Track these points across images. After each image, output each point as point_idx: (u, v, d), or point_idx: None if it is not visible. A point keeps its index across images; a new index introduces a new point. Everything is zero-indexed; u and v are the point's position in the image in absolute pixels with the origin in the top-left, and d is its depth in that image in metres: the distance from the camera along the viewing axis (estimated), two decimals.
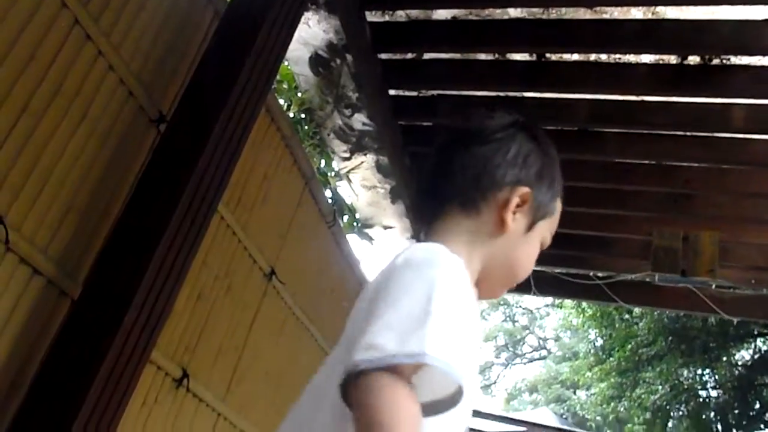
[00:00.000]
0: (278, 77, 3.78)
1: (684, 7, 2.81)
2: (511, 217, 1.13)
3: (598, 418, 18.08)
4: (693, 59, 3.00)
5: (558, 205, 1.22)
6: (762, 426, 15.28)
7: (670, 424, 15.55)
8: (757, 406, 15.13)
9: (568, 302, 17.29)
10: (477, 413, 7.98)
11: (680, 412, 15.54)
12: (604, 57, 3.13)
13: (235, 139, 2.14)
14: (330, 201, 3.88)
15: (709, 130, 3.34)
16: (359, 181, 4.05)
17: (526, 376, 25.32)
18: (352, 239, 4.29)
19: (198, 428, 2.65)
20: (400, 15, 3.16)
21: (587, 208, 3.84)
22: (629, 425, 16.46)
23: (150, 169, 2.04)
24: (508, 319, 25.78)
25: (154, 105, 2.14)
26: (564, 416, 20.20)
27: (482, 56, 3.31)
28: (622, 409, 16.60)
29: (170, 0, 2.21)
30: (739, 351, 15.14)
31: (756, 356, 15.00)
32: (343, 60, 3.25)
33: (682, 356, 14.46)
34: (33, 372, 1.80)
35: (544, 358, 25.37)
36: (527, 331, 26.05)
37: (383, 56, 3.33)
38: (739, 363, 15.16)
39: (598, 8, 2.92)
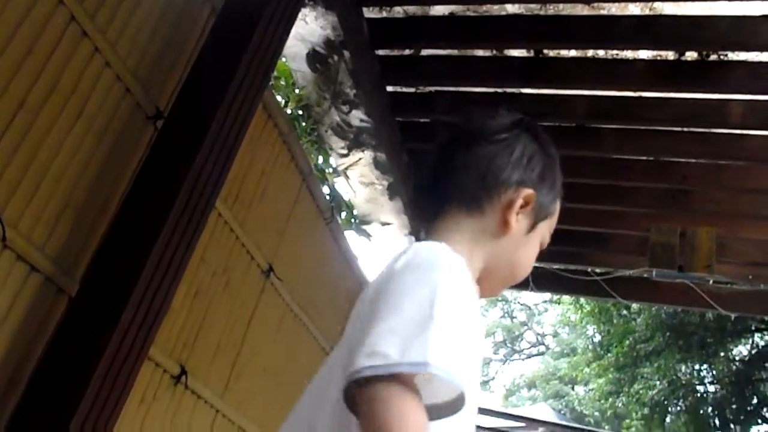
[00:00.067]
0: (276, 73, 3.78)
1: (681, 3, 2.81)
2: (514, 218, 1.13)
3: (596, 413, 18.13)
4: (690, 55, 3.00)
5: (557, 206, 1.23)
6: (759, 421, 15.33)
7: (668, 420, 15.59)
8: (755, 401, 15.17)
9: (566, 298, 17.32)
10: None
11: (678, 408, 15.58)
12: (601, 53, 3.13)
13: (233, 135, 2.13)
14: (328, 197, 3.87)
15: (707, 126, 3.34)
16: (357, 178, 4.05)
17: (524, 372, 25.37)
18: (350, 236, 4.28)
19: (196, 425, 2.65)
20: (398, 11, 3.16)
21: (585, 204, 3.85)
22: (627, 420, 16.50)
23: (147, 166, 2.04)
24: (506, 315, 25.81)
25: (151, 101, 2.14)
26: (562, 412, 20.25)
27: (480, 52, 3.31)
28: (620, 404, 16.65)
29: None
30: (736, 346, 15.18)
31: (753, 351, 15.03)
32: (340, 56, 3.25)
33: (680, 352, 14.49)
34: (31, 369, 1.80)
35: (542, 354, 25.41)
36: (525, 328, 26.09)
37: (381, 52, 3.33)
38: (737, 358, 15.20)
39: (595, 4, 2.92)
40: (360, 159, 3.87)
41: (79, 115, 1.88)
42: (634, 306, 13.78)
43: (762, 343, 14.90)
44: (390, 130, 3.68)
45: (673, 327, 14.17)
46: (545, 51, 3.19)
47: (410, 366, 0.83)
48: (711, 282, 4.10)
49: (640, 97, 3.27)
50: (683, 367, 15.23)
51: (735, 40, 2.82)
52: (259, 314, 3.01)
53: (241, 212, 2.75)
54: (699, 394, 15.46)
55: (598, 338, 17.74)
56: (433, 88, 3.58)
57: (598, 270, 4.51)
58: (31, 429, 1.71)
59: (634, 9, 2.93)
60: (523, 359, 26.15)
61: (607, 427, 16.70)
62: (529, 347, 26.11)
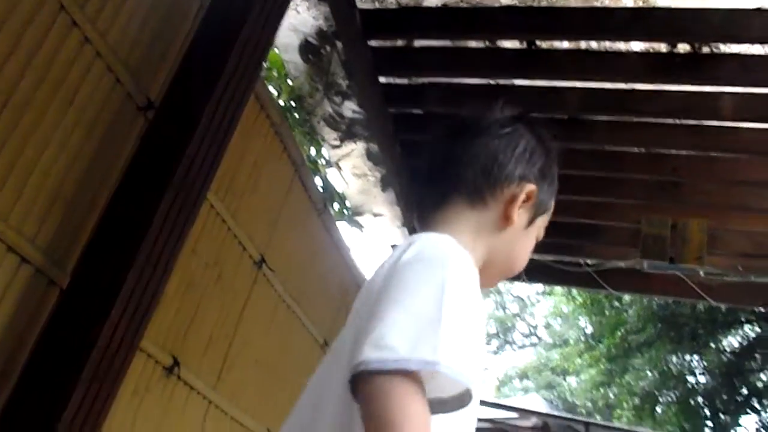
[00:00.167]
0: (268, 64, 3.76)
1: None
2: (516, 213, 1.14)
3: (588, 403, 18.22)
4: (683, 47, 3.00)
5: (554, 200, 1.24)
6: (749, 411, 15.45)
7: (658, 410, 15.69)
8: (745, 391, 15.29)
9: (558, 290, 17.39)
10: None
11: (669, 398, 15.69)
12: (594, 45, 3.13)
13: (224, 126, 2.12)
14: (320, 189, 3.87)
15: (699, 118, 3.35)
16: (349, 169, 4.04)
17: (516, 363, 25.44)
18: (343, 227, 4.28)
19: (189, 416, 2.66)
20: (391, 2, 3.15)
21: (577, 195, 3.85)
22: (618, 411, 16.61)
23: (138, 157, 2.03)
24: (499, 306, 25.86)
25: (142, 92, 2.12)
26: (554, 402, 20.33)
27: (472, 44, 3.30)
28: (611, 395, 16.76)
29: None
30: (726, 337, 15.28)
31: (744, 342, 15.14)
32: (333, 47, 3.24)
33: (671, 343, 14.58)
34: (22, 361, 1.79)
35: (534, 345, 25.49)
36: (518, 319, 26.16)
37: (373, 43, 3.32)
38: (727, 349, 15.30)
39: None
40: (353, 150, 3.87)
41: (68, 106, 1.87)
42: (626, 297, 13.85)
43: (752, 335, 15.00)
44: (383, 121, 3.67)
45: (664, 318, 14.25)
46: (538, 43, 3.19)
47: (420, 363, 0.83)
48: (702, 273, 4.12)
49: (633, 90, 3.27)
50: (674, 358, 15.33)
51: (727, 32, 2.82)
52: (251, 305, 3.01)
53: (233, 204, 2.75)
54: (689, 385, 15.57)
55: (589, 329, 17.83)
56: (425, 80, 3.57)
57: (590, 261, 4.52)
58: (23, 421, 1.71)
59: (627, 1, 2.93)
60: (515, 350, 26.23)
61: (598, 418, 16.77)
62: (522, 338, 26.19)
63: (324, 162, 4.32)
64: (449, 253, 0.99)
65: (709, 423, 15.25)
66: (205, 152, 2.05)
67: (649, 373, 15.35)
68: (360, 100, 3.50)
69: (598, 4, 2.95)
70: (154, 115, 2.11)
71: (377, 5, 3.16)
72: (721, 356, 15.06)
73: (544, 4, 2.99)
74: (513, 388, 23.91)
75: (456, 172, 1.16)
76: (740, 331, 15.21)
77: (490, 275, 1.17)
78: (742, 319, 14.45)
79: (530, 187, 1.15)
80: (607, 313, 15.48)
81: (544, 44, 3.19)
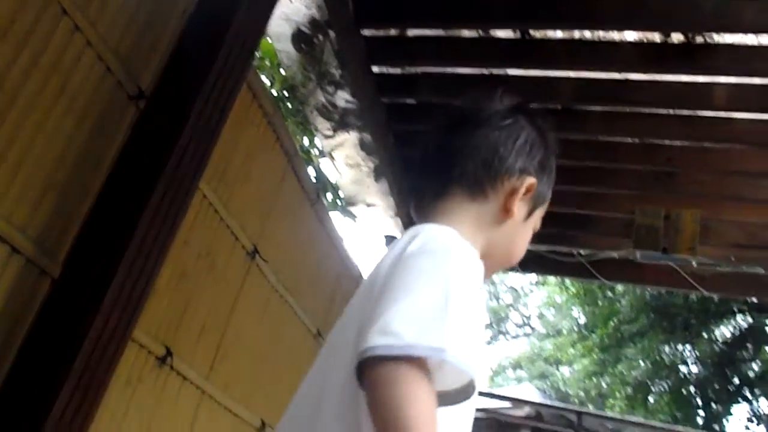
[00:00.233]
0: (260, 54, 3.75)
1: None
2: (517, 206, 1.14)
3: (581, 393, 18.32)
4: (676, 37, 3.00)
5: (551, 192, 1.25)
6: (740, 400, 15.57)
7: (650, 399, 15.81)
8: (736, 381, 15.41)
9: (551, 280, 17.45)
10: None
11: (661, 388, 15.80)
12: (588, 35, 3.12)
13: (216, 116, 2.11)
14: (313, 179, 3.86)
15: (692, 109, 3.35)
16: (343, 159, 4.03)
17: (510, 353, 25.54)
18: (336, 217, 4.28)
19: (182, 406, 2.66)
20: None
21: (571, 186, 3.85)
22: (611, 400, 16.71)
23: (129, 147, 2.02)
24: (492, 297, 25.93)
25: (133, 81, 2.11)
26: (547, 392, 20.43)
27: (466, 33, 3.29)
28: (604, 384, 16.87)
29: None
30: (719, 327, 15.39)
31: (736, 333, 15.23)
32: (325, 36, 3.22)
33: (664, 333, 14.67)
34: (13, 351, 1.78)
35: (528, 335, 25.59)
36: (511, 309, 26.23)
37: (366, 32, 3.30)
38: (719, 339, 15.41)
39: None
40: (346, 140, 3.86)
41: (59, 95, 1.86)
42: (619, 288, 13.92)
43: (744, 325, 15.10)
44: (376, 111, 3.66)
45: (657, 308, 14.33)
46: (531, 32, 3.18)
47: (426, 349, 0.83)
48: (695, 264, 4.13)
49: (626, 80, 3.27)
50: (667, 348, 15.43)
51: (721, 22, 2.82)
52: (244, 296, 3.00)
53: (226, 194, 2.74)
54: (682, 375, 15.69)
55: (583, 320, 17.92)
56: (419, 69, 3.56)
57: (583, 251, 4.53)
58: (14, 411, 1.71)
59: None
60: (508, 340, 26.32)
61: (591, 407, 16.87)
62: (515, 329, 26.28)
63: (317, 152, 4.31)
64: (454, 246, 0.99)
65: (701, 412, 15.38)
66: (196, 142, 2.04)
67: (642, 363, 15.45)
68: (353, 89, 3.49)
69: None
70: (145, 105, 2.09)
71: None
72: (713, 346, 15.16)
73: None
74: (506, 378, 24.01)
75: (456, 164, 1.15)
76: (732, 322, 15.31)
77: (488, 266, 1.16)
78: (735, 310, 14.55)
79: (530, 180, 1.15)
80: (600, 303, 15.56)
81: (537, 34, 3.18)
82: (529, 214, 1.19)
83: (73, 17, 1.86)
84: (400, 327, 0.83)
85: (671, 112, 3.41)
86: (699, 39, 2.97)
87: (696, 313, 14.32)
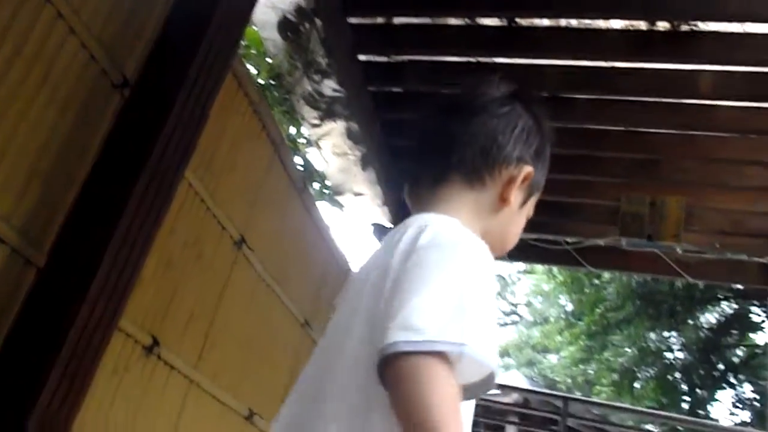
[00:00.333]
0: (246, 42, 3.72)
1: None
2: (514, 195, 1.14)
3: (568, 380, 18.44)
4: (662, 25, 3.01)
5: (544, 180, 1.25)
6: (725, 386, 15.74)
7: (637, 385, 15.94)
8: (721, 367, 15.58)
9: (539, 268, 17.53)
10: None
11: (647, 374, 15.94)
12: (574, 22, 3.12)
13: (201, 104, 2.10)
14: (300, 168, 3.85)
15: (677, 97, 3.36)
16: (329, 148, 4.02)
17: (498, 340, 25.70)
18: (323, 206, 4.27)
19: (170, 395, 2.65)
20: None
21: (557, 174, 3.82)
22: (597, 387, 16.83)
23: (114, 136, 2.01)
24: None
25: (117, 69, 2.09)
26: (534, 379, 20.57)
27: (453, 21, 3.28)
28: (590, 371, 16.98)
29: None
30: (704, 314, 15.52)
31: (721, 319, 15.38)
32: (312, 24, 3.20)
33: (650, 320, 14.78)
34: None
35: (515, 323, 25.71)
36: (499, 297, 26.36)
37: (353, 20, 3.29)
38: (705, 326, 15.55)
39: None
40: (333, 129, 3.84)
41: (43, 83, 1.84)
42: (606, 275, 13.99)
43: (729, 311, 15.25)
44: (363, 99, 3.65)
45: (643, 295, 14.43)
46: (518, 20, 3.17)
47: (448, 345, 0.83)
48: (679, 251, 4.16)
49: (612, 67, 3.27)
50: (653, 335, 15.55)
51: (706, 10, 2.83)
52: (231, 285, 3.00)
53: (212, 183, 2.73)
54: (667, 361, 15.83)
55: (570, 307, 18.01)
56: (405, 57, 3.55)
57: (569, 239, 4.54)
58: (1, 400, 1.70)
59: None
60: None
61: (578, 393, 17.00)
62: (503, 317, 26.40)
63: (304, 141, 4.29)
64: (465, 239, 0.99)
65: (687, 398, 15.54)
66: (181, 130, 2.03)
67: (628, 350, 15.57)
68: (340, 78, 3.47)
69: None
70: (129, 94, 2.08)
71: None
72: (699, 332, 15.30)
73: None
74: None
75: (454, 151, 1.14)
76: (717, 308, 15.46)
77: None
78: (720, 296, 14.68)
79: (528, 169, 1.15)
80: (587, 291, 15.65)
81: (524, 22, 3.18)
82: (524, 202, 1.19)
83: (56, 4, 1.84)
84: (421, 322, 0.83)
85: (656, 100, 3.42)
86: (684, 27, 2.98)
87: (681, 299, 14.44)
